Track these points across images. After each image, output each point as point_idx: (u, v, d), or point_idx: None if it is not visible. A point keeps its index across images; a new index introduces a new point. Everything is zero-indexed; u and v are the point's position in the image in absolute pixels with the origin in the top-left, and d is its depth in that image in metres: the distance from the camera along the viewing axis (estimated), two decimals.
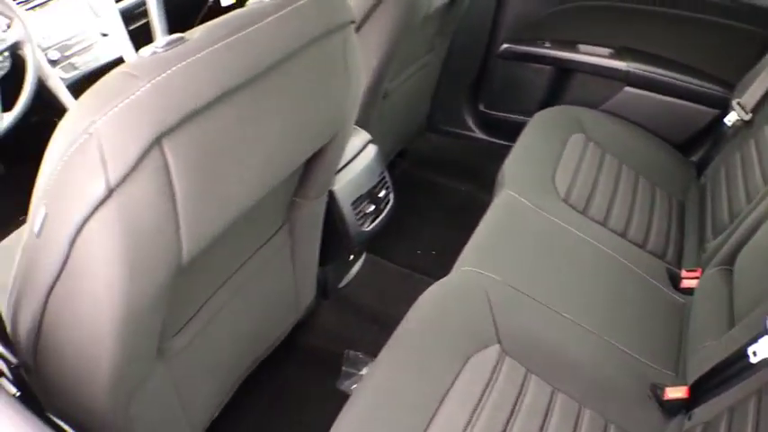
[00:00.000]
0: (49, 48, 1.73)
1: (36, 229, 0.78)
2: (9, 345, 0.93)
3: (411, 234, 2.23)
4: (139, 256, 0.76)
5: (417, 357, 1.23)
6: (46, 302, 0.84)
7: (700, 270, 1.62)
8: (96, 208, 0.71)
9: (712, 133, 2.13)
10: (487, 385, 1.21)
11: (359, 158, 1.62)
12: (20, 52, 1.60)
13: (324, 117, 1.07)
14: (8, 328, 0.93)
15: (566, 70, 2.30)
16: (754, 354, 1.11)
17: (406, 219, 2.22)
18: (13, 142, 1.62)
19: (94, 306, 0.80)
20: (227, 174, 0.85)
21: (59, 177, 0.73)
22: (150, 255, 0.78)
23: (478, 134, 2.57)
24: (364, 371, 1.70)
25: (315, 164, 1.20)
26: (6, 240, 1.36)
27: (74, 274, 0.79)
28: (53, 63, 1.73)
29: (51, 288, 0.82)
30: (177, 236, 0.80)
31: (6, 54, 1.58)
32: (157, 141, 0.72)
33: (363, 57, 1.67)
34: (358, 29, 1.69)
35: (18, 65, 1.61)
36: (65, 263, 0.78)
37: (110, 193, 0.70)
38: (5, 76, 1.58)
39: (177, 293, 0.93)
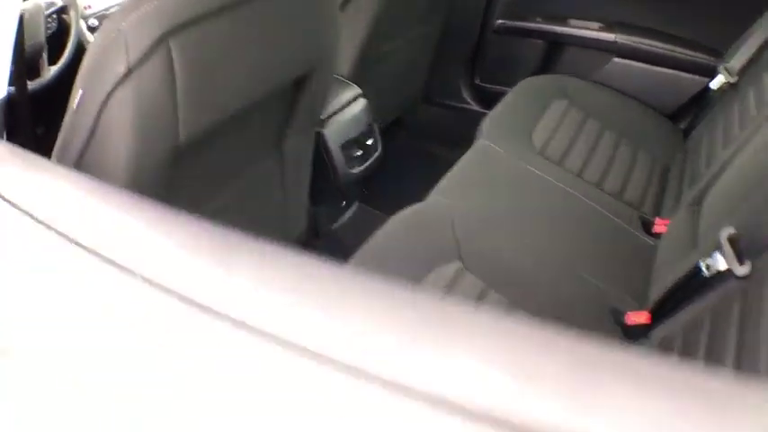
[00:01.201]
0: (89, 16, 2.01)
1: (75, 105, 1.01)
2: None
3: (407, 195, 2.29)
4: (144, 130, 0.98)
5: (379, 267, 1.33)
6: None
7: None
8: (119, 83, 0.94)
9: (701, 100, 2.16)
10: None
11: (349, 108, 1.77)
12: (65, 16, 1.89)
13: (302, 45, 1.28)
14: None
15: (557, 44, 2.36)
16: (707, 268, 1.11)
17: (403, 183, 2.31)
18: (53, 106, 1.80)
19: (110, 175, 1.01)
20: (219, 74, 1.08)
21: (94, 62, 0.96)
22: (153, 131, 1.00)
23: (474, 107, 2.61)
24: None
25: (300, 94, 1.38)
26: None
27: (98, 143, 1.01)
28: (91, 30, 2.01)
29: (82, 154, 1.03)
30: (175, 117, 1.02)
31: (54, 16, 1.89)
32: (165, 38, 0.95)
33: (354, 15, 1.81)
34: None
35: (63, 28, 1.91)
36: (93, 131, 1.00)
37: (129, 72, 0.93)
38: (52, 35, 1.88)
39: (173, 188, 1.12)
